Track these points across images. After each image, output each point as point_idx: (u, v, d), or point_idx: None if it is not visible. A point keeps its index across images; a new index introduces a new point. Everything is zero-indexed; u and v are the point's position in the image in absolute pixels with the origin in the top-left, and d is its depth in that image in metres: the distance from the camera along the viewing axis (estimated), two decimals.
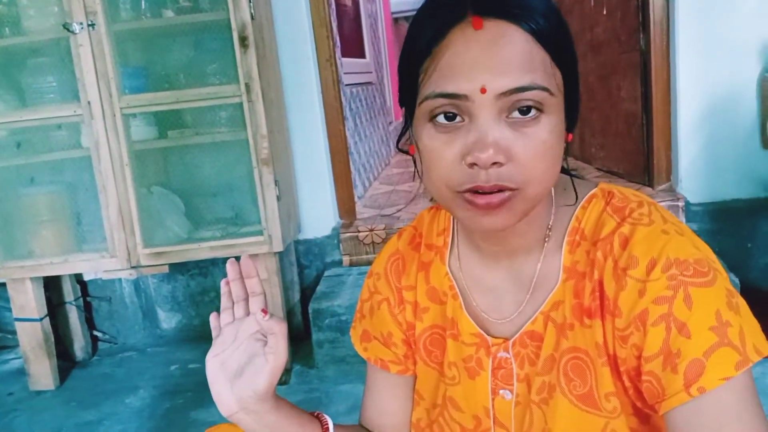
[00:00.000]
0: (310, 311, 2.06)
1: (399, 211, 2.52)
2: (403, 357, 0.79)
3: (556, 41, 0.59)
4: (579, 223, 0.67)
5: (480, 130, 0.58)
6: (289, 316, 2.22)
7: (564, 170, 0.70)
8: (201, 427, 1.80)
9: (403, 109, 0.66)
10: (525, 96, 0.57)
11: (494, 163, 0.58)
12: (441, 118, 0.60)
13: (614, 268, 0.62)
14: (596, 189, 0.69)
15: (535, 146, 0.58)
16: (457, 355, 0.73)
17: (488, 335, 0.71)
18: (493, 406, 0.71)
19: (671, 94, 2.29)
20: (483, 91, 0.57)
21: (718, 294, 0.58)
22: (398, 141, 0.69)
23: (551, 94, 0.58)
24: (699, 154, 2.26)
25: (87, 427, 1.87)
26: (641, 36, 2.32)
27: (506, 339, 0.70)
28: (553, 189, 0.69)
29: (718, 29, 2.17)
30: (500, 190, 0.58)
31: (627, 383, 0.62)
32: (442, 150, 0.60)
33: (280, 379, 0.92)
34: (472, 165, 0.58)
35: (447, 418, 0.75)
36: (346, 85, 2.85)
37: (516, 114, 0.58)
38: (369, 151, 3.27)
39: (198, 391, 2.01)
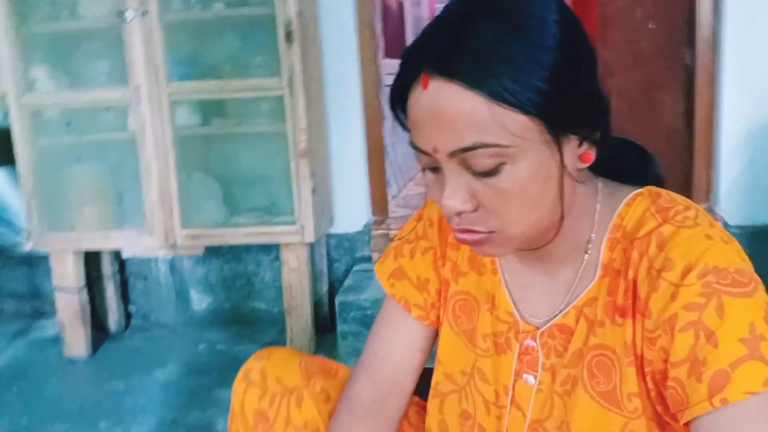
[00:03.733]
0: (336, 303, 2.10)
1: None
2: (430, 305, 0.79)
3: (509, 90, 0.56)
4: (621, 220, 0.67)
5: (445, 182, 0.61)
6: (316, 306, 2.27)
7: (611, 174, 0.71)
8: (224, 405, 1.86)
9: None
10: (473, 155, 0.58)
11: (460, 212, 0.61)
12: (426, 165, 0.65)
13: (649, 269, 0.61)
14: (643, 189, 0.68)
15: (500, 195, 0.60)
16: (490, 329, 0.74)
17: (521, 318, 0.72)
18: (513, 387, 0.72)
19: (715, 112, 2.25)
20: (434, 150, 0.60)
21: (755, 306, 0.56)
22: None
23: (503, 146, 0.57)
24: (740, 174, 2.22)
25: (114, 396, 1.95)
26: (687, 51, 2.30)
27: (536, 328, 0.71)
28: (599, 195, 0.69)
29: (766, 48, 2.13)
30: (469, 232, 0.62)
31: (650, 385, 0.62)
32: (432, 190, 0.65)
33: None
34: None
35: (473, 388, 0.75)
36: (387, 85, 2.89)
37: (477, 168, 0.59)
38: (406, 152, 3.29)
39: (223, 372, 2.07)
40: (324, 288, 2.37)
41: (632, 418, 0.63)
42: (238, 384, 0.86)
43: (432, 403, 0.80)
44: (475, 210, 0.61)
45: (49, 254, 2.20)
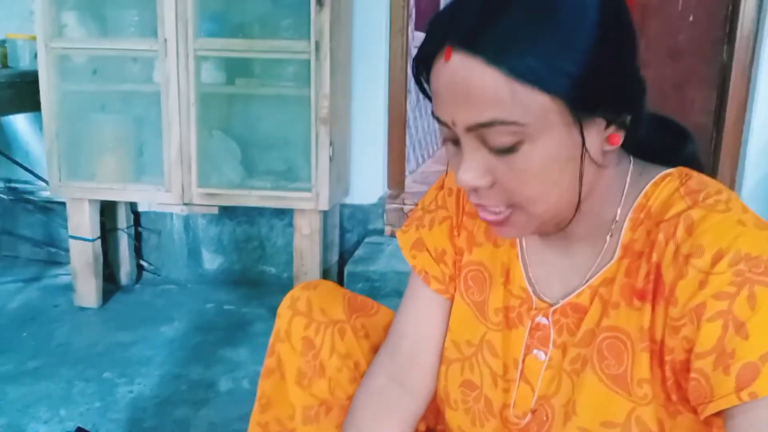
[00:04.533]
0: (345, 273, 2.10)
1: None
2: (449, 277, 0.79)
3: (535, 70, 0.54)
4: (647, 200, 0.64)
5: (462, 156, 0.61)
6: (326, 275, 2.27)
7: (646, 154, 0.68)
8: (227, 363, 1.87)
9: None
10: (491, 131, 0.57)
11: (477, 187, 0.61)
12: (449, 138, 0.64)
13: (675, 254, 0.59)
14: (673, 169, 0.66)
15: (517, 174, 0.59)
16: (503, 302, 0.74)
17: (534, 295, 0.72)
18: (523, 361, 0.71)
19: (746, 112, 2.21)
20: (453, 123, 0.59)
21: None
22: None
23: (521, 125, 0.56)
24: (765, 177, 2.18)
25: (121, 347, 1.97)
26: (725, 47, 2.24)
27: (549, 305, 0.70)
28: (628, 178, 0.66)
29: None
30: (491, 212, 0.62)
31: (668, 374, 0.60)
32: (452, 163, 0.64)
33: None
34: None
35: (480, 359, 0.75)
36: None
37: (495, 144, 0.59)
38: (427, 128, 3.27)
39: (228, 331, 2.08)
40: (334, 257, 2.37)
41: (640, 404, 0.62)
42: (285, 311, 0.89)
43: (440, 369, 0.80)
44: (492, 186, 0.60)
45: (66, 202, 2.22)
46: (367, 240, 2.35)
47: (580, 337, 0.67)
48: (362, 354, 0.87)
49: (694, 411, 0.59)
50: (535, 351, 0.71)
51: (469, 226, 0.78)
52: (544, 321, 0.70)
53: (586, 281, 0.67)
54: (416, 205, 0.87)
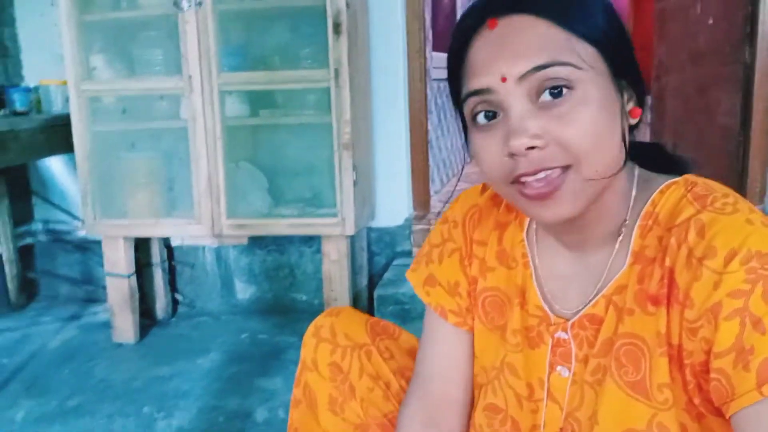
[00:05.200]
0: (375, 297, 2.10)
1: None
2: (465, 309, 0.79)
3: (579, 18, 0.60)
4: (654, 207, 0.66)
5: (512, 119, 0.60)
6: (356, 299, 2.28)
7: (645, 155, 0.70)
8: (263, 393, 1.88)
9: (458, 115, 0.70)
10: (547, 74, 0.59)
11: (532, 148, 0.59)
12: (481, 118, 0.63)
13: (688, 257, 0.60)
14: (679, 177, 0.67)
15: (573, 124, 0.59)
16: (521, 324, 0.74)
17: (551, 312, 0.72)
18: (548, 379, 0.71)
19: None
20: (503, 79, 0.60)
21: None
22: (466, 146, 0.71)
23: (577, 68, 0.59)
24: None
25: (159, 381, 2.00)
26: (747, 48, 2.21)
27: (566, 320, 0.70)
28: (635, 183, 0.68)
29: None
30: (545, 170, 0.59)
31: (689, 377, 0.60)
32: (486, 147, 0.63)
33: None
34: (511, 155, 0.61)
35: (503, 382, 0.75)
36: (434, 79, 2.88)
37: (546, 97, 0.60)
38: (450, 147, 3.28)
39: (264, 360, 2.10)
40: (364, 281, 2.38)
41: (661, 410, 0.62)
42: (309, 339, 0.90)
43: (475, 393, 0.81)
44: (546, 146, 0.59)
45: (101, 240, 2.27)
46: (395, 262, 2.36)
47: (599, 347, 0.67)
48: (391, 375, 0.88)
49: (718, 413, 0.59)
50: (558, 368, 0.71)
51: (480, 254, 0.78)
52: (564, 336, 0.70)
53: (600, 290, 0.68)
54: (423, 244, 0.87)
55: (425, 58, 2.39)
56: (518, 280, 0.75)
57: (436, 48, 2.88)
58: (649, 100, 4.01)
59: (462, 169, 3.42)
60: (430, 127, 2.49)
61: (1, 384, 2.04)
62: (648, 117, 3.77)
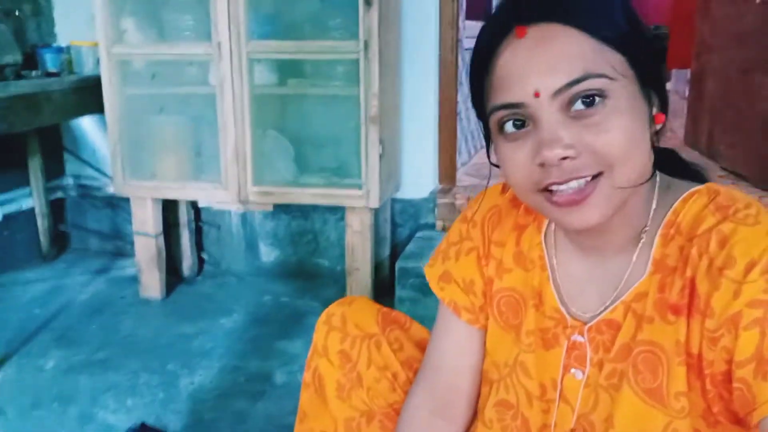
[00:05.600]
0: (396, 269, 2.13)
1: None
2: (478, 308, 0.81)
3: (608, 26, 0.60)
4: (676, 216, 0.66)
5: (545, 130, 0.60)
6: (378, 269, 2.31)
7: (668, 164, 0.70)
8: (283, 356, 1.94)
9: (480, 122, 0.69)
10: (580, 88, 0.58)
11: (565, 159, 0.59)
12: (509, 127, 0.63)
13: (709, 267, 0.60)
14: (702, 186, 0.67)
15: (606, 133, 0.59)
16: (536, 325, 0.74)
17: (568, 315, 0.72)
18: (561, 381, 0.72)
19: None
20: (536, 95, 0.59)
21: None
22: (488, 155, 0.70)
23: (610, 78, 0.59)
24: None
25: (183, 338, 2.07)
26: None
27: (584, 323, 0.71)
28: (657, 189, 0.68)
29: None
30: (576, 179, 0.60)
31: (709, 386, 0.61)
32: (515, 156, 0.63)
33: None
34: (542, 165, 0.61)
35: (515, 380, 0.76)
36: (466, 49, 2.83)
37: (579, 106, 0.59)
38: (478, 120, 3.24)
39: (285, 323, 2.15)
40: (386, 252, 2.40)
41: (677, 418, 0.63)
42: (321, 326, 0.93)
43: (483, 390, 0.83)
44: (579, 156, 0.59)
45: (130, 199, 2.33)
46: (418, 235, 2.37)
47: (616, 352, 0.67)
48: (399, 366, 0.90)
49: (735, 421, 0.60)
50: (572, 370, 0.71)
51: (497, 255, 0.79)
52: (580, 339, 0.71)
53: (619, 296, 0.68)
54: (443, 240, 0.88)
55: (458, 27, 2.35)
56: (534, 282, 0.75)
57: (469, 16, 2.82)
58: (687, 74, 3.88)
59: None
60: (459, 98, 2.46)
61: (33, 333, 2.13)
62: (686, 92, 3.63)
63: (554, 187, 0.61)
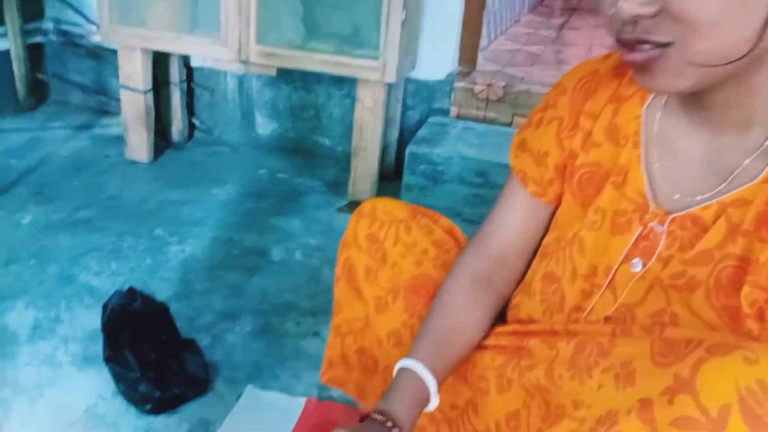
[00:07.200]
0: (407, 153, 1.98)
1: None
2: (547, 181, 0.76)
3: None
4: None
5: None
6: (384, 152, 2.15)
7: None
8: (280, 233, 1.82)
9: None
10: None
11: (636, 23, 0.53)
12: None
13: None
14: None
15: None
16: (610, 204, 0.69)
17: (652, 200, 0.65)
18: (617, 270, 0.67)
19: None
20: None
21: None
22: None
23: None
24: None
25: (172, 205, 1.93)
26: None
27: (667, 213, 0.63)
28: None
29: None
30: (642, 43, 0.54)
31: None
32: (603, 2, 0.56)
33: None
34: (616, 15, 0.54)
35: (567, 254, 0.72)
36: None
37: None
38: (503, 0, 2.98)
39: (282, 200, 2.02)
40: (394, 134, 2.24)
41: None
42: (350, 220, 0.91)
43: (536, 261, 0.80)
44: (656, 15, 0.52)
45: (117, 50, 2.10)
46: (430, 120, 2.20)
47: (694, 254, 0.61)
48: (429, 243, 0.87)
49: None
50: (633, 260, 0.66)
51: (587, 126, 0.72)
52: (659, 229, 0.64)
53: (719, 195, 0.60)
54: None
55: None
56: (623, 159, 0.68)
57: None
58: None
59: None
60: None
61: (8, 186, 1.97)
62: None
63: (620, 42, 0.57)
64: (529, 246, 0.80)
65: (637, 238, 0.66)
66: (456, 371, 0.78)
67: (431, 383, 0.71)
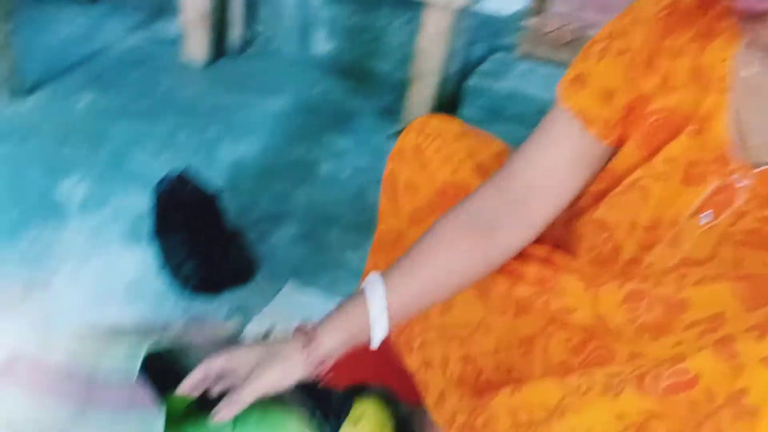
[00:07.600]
0: (467, 86, 1.92)
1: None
2: (612, 125, 0.66)
3: None
4: None
5: None
6: (443, 84, 2.09)
7: None
8: (330, 149, 1.79)
9: None
10: None
11: None
12: None
13: None
14: None
15: None
16: (684, 154, 0.61)
17: (736, 151, 0.59)
18: (683, 222, 0.61)
19: None
20: None
21: None
22: None
23: None
24: None
25: (226, 108, 1.92)
26: None
27: (752, 166, 0.57)
28: None
29: None
30: None
31: None
32: None
33: None
34: None
35: (625, 201, 0.66)
36: None
37: None
38: None
39: (334, 120, 1.99)
40: (455, 67, 2.17)
41: None
42: (402, 132, 0.88)
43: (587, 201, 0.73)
44: None
45: None
46: (494, 56, 2.12)
47: None
48: (470, 158, 0.82)
49: None
50: (703, 213, 0.60)
51: (665, 65, 0.62)
52: (741, 183, 0.58)
53: None
54: None
55: None
56: (706, 106, 0.60)
57: None
58: None
59: None
60: None
61: (67, 69, 1.97)
62: None
63: None
64: (567, 191, 0.69)
65: (713, 191, 0.60)
66: (475, 286, 0.73)
67: (378, 331, 0.66)
